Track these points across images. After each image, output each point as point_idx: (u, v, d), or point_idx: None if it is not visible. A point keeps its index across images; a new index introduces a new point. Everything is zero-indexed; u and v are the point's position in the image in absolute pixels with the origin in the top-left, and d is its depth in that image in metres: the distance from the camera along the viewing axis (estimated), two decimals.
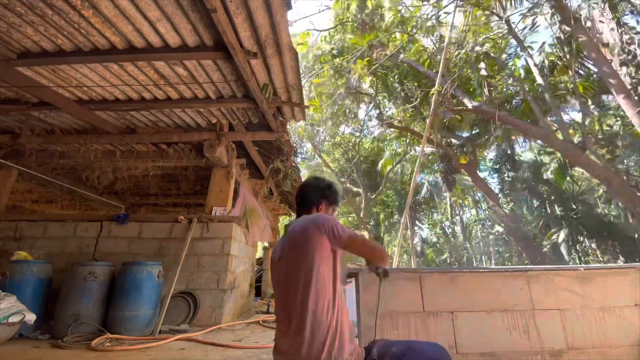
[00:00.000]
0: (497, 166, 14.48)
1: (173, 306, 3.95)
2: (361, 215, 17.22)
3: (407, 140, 13.31)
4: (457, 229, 20.91)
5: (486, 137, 10.57)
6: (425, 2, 7.61)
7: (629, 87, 5.40)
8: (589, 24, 6.06)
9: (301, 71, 3.75)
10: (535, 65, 7.51)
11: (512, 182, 13.57)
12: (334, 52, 9.19)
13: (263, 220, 6.72)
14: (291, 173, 5.84)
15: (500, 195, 12.64)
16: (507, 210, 11.69)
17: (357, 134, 15.11)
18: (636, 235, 11.17)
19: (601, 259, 12.67)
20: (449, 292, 2.20)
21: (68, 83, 3.67)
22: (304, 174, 17.98)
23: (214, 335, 3.48)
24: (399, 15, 8.47)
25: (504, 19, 7.61)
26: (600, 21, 6.12)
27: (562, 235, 12.04)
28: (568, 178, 12.45)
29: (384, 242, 18.87)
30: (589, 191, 13.71)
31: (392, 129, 12.41)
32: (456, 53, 8.17)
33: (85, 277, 3.38)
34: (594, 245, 12.91)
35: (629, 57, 5.75)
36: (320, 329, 1.22)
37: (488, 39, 8.21)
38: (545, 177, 13.29)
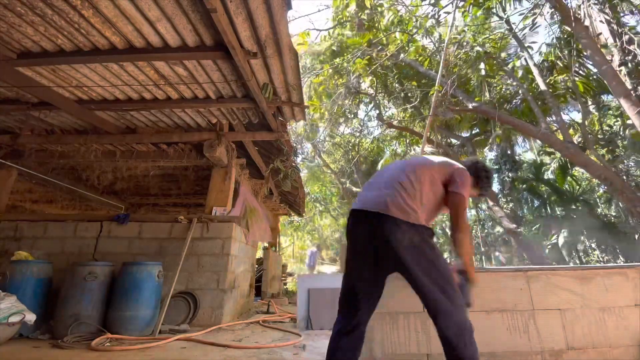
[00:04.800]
0: (497, 166, 14.47)
1: (173, 306, 3.95)
2: None
3: (407, 141, 13.31)
4: None
5: (485, 136, 10.58)
6: (424, 2, 7.62)
7: (629, 87, 5.40)
8: (587, 22, 6.06)
9: (301, 71, 3.75)
10: (535, 65, 7.51)
11: (512, 182, 13.56)
12: (334, 48, 9.16)
13: (264, 221, 6.73)
14: (291, 173, 5.85)
15: (500, 196, 12.64)
16: (507, 211, 11.69)
17: (357, 134, 15.09)
18: (636, 236, 11.16)
19: (601, 259, 12.66)
20: None
21: (68, 83, 3.67)
22: (304, 174, 17.99)
23: (214, 335, 3.48)
24: (398, 14, 8.47)
25: (504, 20, 7.62)
26: (601, 21, 6.12)
27: (562, 235, 12.03)
28: (568, 178, 12.45)
29: None
30: (589, 191, 13.69)
31: (392, 129, 12.41)
32: (456, 53, 8.17)
33: (85, 277, 3.38)
34: (594, 245, 12.91)
35: (629, 57, 5.75)
36: None
37: (488, 38, 8.21)
38: (545, 177, 13.28)
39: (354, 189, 17.62)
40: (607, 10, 6.01)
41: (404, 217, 1.52)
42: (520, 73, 8.68)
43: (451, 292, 1.47)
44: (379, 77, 9.40)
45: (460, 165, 1.75)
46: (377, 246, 1.57)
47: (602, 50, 5.73)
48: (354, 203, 1.72)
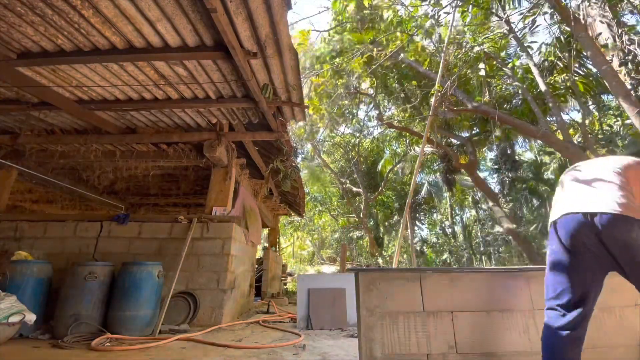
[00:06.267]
0: (497, 166, 14.46)
1: (173, 306, 3.95)
2: (361, 215, 17.22)
3: (407, 141, 13.31)
4: (457, 229, 20.91)
5: (485, 136, 10.58)
6: (424, 3, 7.61)
7: (629, 87, 5.40)
8: (589, 20, 6.06)
9: (301, 71, 3.75)
10: (535, 65, 7.51)
11: (512, 182, 13.57)
12: (333, 54, 9.18)
13: (260, 222, 6.74)
14: (291, 173, 5.85)
15: (500, 196, 12.65)
16: (507, 210, 11.70)
17: (357, 134, 15.11)
18: None
19: None
20: (449, 292, 2.20)
21: (68, 83, 3.67)
22: (304, 174, 18.00)
23: (214, 335, 3.48)
24: (398, 15, 8.47)
25: (503, 19, 7.61)
26: (600, 21, 6.11)
27: None
28: None
29: (384, 243, 18.87)
30: None
31: (392, 129, 12.41)
32: (456, 53, 8.16)
33: (85, 277, 3.38)
34: None
35: (629, 57, 5.75)
36: None
37: (488, 38, 8.21)
38: (545, 177, 13.30)
39: (354, 188, 17.65)
40: (607, 10, 6.01)
41: (635, 214, 1.57)
42: (519, 73, 8.67)
43: None
44: (379, 77, 9.40)
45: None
46: (605, 246, 1.60)
47: (602, 50, 5.72)
48: (565, 207, 1.75)
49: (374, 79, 9.32)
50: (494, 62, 8.39)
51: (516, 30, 7.67)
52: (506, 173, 13.52)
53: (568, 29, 6.51)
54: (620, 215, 1.55)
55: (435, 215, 21.20)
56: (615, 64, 5.69)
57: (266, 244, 9.13)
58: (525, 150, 16.30)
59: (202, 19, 2.78)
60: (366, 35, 8.01)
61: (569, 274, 1.69)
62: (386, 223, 18.93)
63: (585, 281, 1.66)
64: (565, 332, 1.61)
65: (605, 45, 5.88)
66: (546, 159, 14.13)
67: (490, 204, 10.93)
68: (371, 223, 18.98)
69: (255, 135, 4.99)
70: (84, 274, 3.40)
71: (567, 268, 1.70)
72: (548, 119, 8.38)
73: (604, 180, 1.73)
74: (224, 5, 2.57)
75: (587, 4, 6.04)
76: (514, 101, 9.52)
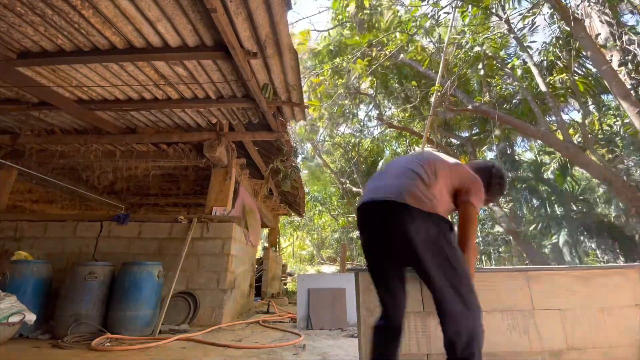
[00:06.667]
0: None
1: (173, 306, 3.95)
2: None
3: (407, 141, 13.31)
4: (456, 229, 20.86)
5: (485, 136, 10.59)
6: (424, 3, 7.61)
7: (629, 87, 5.40)
8: (587, 22, 6.07)
9: (301, 71, 3.75)
10: (535, 65, 7.51)
11: (512, 182, 13.57)
12: (331, 48, 9.17)
13: (259, 223, 6.74)
14: (291, 173, 5.85)
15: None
16: (507, 210, 11.69)
17: (357, 134, 15.10)
18: (636, 236, 11.17)
19: (601, 259, 12.66)
20: None
21: (68, 83, 3.67)
22: (304, 174, 17.98)
23: (214, 335, 3.48)
24: (398, 15, 8.48)
25: (503, 19, 7.61)
26: (600, 21, 6.12)
27: (562, 235, 12.04)
28: (568, 178, 12.45)
29: None
30: (589, 191, 13.69)
31: (392, 129, 12.41)
32: (455, 53, 8.16)
33: (85, 277, 3.38)
34: (594, 245, 12.90)
35: (629, 57, 5.75)
36: None
37: (487, 38, 8.21)
38: (545, 177, 13.29)
39: (354, 189, 17.63)
40: (607, 10, 6.01)
41: (419, 205, 1.38)
42: (519, 73, 8.68)
43: (466, 294, 1.34)
44: (379, 77, 9.40)
45: (473, 173, 1.64)
46: (391, 239, 1.45)
47: (602, 50, 5.73)
48: (363, 196, 1.59)
49: (374, 79, 9.32)
50: (494, 62, 8.39)
51: (516, 30, 7.67)
52: (506, 173, 13.51)
53: (568, 28, 6.51)
54: (398, 203, 1.39)
55: None
56: (615, 64, 5.69)
57: (266, 244, 9.12)
58: (525, 150, 16.29)
59: (202, 19, 2.78)
60: (363, 40, 8.03)
61: (373, 270, 1.61)
62: None
63: (384, 276, 1.58)
64: (380, 330, 1.57)
65: (605, 45, 5.88)
66: (546, 159, 14.13)
67: (490, 204, 10.92)
68: None
69: (255, 135, 4.99)
70: (84, 274, 3.40)
71: (369, 263, 1.61)
72: (548, 119, 8.38)
73: (403, 168, 1.56)
74: (224, 5, 2.57)
75: (587, 3, 6.04)
76: (514, 101, 9.52)
